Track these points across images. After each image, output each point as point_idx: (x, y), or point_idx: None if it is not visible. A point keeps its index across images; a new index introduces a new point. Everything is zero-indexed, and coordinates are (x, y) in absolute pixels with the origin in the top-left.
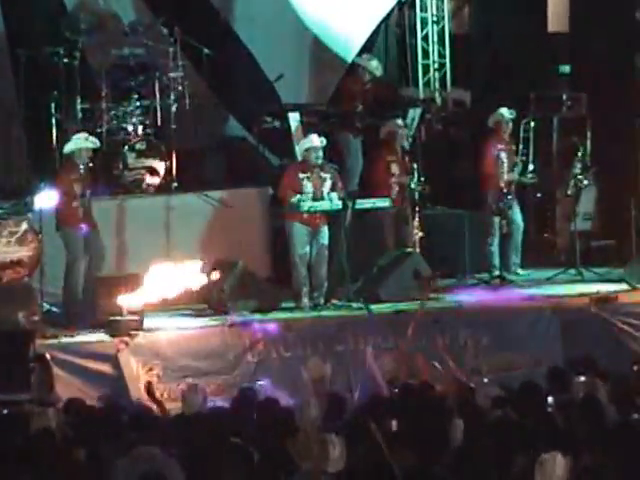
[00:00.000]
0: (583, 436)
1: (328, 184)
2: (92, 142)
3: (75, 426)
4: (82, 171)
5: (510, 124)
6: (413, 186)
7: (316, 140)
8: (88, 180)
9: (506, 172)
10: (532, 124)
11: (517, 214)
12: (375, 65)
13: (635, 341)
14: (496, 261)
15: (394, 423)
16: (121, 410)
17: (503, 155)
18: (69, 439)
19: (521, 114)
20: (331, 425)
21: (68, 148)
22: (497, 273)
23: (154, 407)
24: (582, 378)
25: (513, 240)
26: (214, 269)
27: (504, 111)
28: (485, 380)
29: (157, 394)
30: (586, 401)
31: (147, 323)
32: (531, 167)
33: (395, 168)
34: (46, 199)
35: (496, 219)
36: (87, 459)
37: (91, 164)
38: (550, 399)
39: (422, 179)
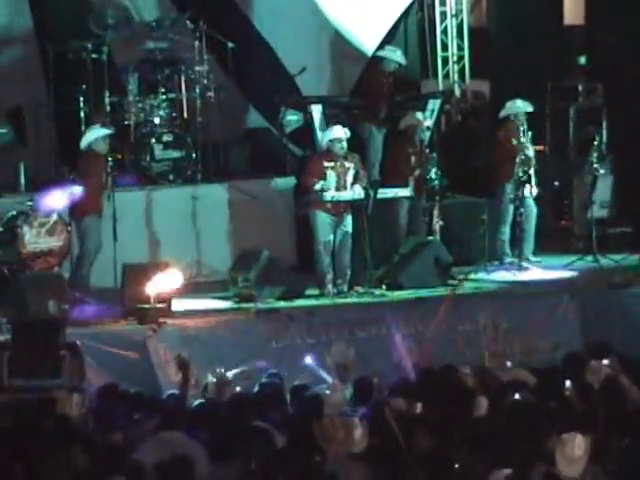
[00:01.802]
0: (603, 419)
1: (351, 173)
2: (106, 129)
3: (107, 411)
4: (105, 161)
5: (524, 115)
6: (433, 176)
7: (340, 132)
8: (111, 170)
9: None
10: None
11: (530, 200)
12: (399, 54)
13: None
14: (507, 249)
15: (419, 406)
16: (150, 396)
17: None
18: (90, 425)
19: (539, 104)
20: (356, 409)
21: (85, 142)
22: (509, 260)
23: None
24: (602, 362)
25: (528, 226)
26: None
27: (519, 103)
28: (508, 364)
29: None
30: (606, 384)
31: (175, 307)
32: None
33: (414, 160)
34: (66, 195)
35: (511, 207)
36: (106, 446)
37: (119, 156)
38: (568, 383)
39: (441, 170)
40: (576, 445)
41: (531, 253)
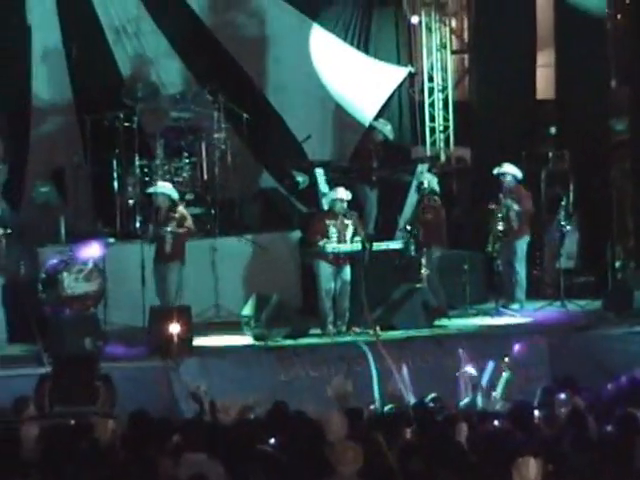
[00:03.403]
0: (567, 444)
1: (350, 229)
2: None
3: (136, 434)
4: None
5: (509, 177)
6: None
7: (342, 193)
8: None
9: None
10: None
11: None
12: (389, 129)
13: (611, 362)
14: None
15: (408, 431)
16: (172, 421)
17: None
18: (120, 447)
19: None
20: (351, 434)
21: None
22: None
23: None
24: (564, 395)
25: (513, 279)
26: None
27: (507, 166)
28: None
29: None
30: (571, 414)
31: (195, 342)
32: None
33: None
34: (101, 246)
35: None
36: (136, 465)
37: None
38: (537, 412)
39: None
40: (530, 468)
41: (517, 302)
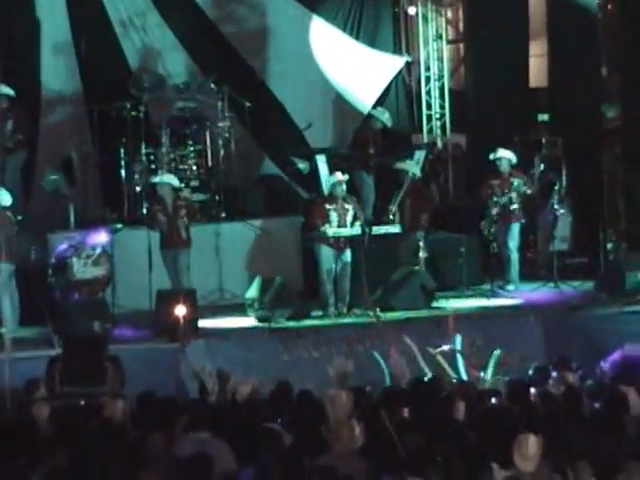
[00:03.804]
0: (561, 420)
1: (350, 213)
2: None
3: (143, 413)
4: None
5: (504, 162)
6: None
7: (340, 176)
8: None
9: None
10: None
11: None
12: (387, 117)
13: (603, 341)
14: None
15: (406, 410)
16: (179, 401)
17: (497, 188)
18: (129, 425)
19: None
20: (353, 413)
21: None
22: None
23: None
24: (558, 373)
25: (506, 259)
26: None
27: (502, 151)
28: (482, 375)
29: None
30: (566, 392)
31: (201, 324)
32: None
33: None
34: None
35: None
36: (140, 443)
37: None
38: (532, 390)
39: None
40: (530, 444)
41: (511, 283)
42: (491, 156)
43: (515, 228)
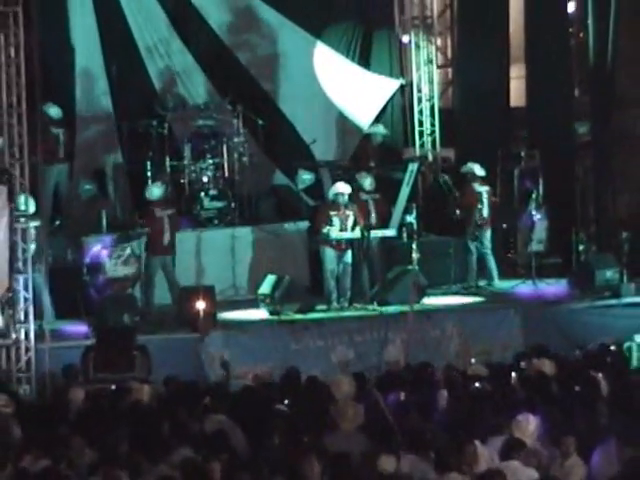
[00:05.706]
0: (538, 401)
1: (351, 219)
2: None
3: (168, 397)
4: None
5: (476, 175)
6: (412, 220)
7: (343, 187)
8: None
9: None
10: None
11: (488, 240)
12: (381, 128)
13: (576, 331)
14: (474, 274)
15: (402, 394)
16: (201, 386)
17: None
18: (156, 408)
19: (491, 166)
20: (355, 396)
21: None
22: (473, 284)
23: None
24: (537, 360)
25: (487, 259)
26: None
27: (471, 165)
28: (472, 360)
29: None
30: (538, 377)
31: (219, 317)
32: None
33: None
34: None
35: (473, 244)
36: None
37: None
38: (513, 374)
39: (419, 216)
40: (529, 424)
41: (493, 279)
42: (462, 169)
43: (490, 233)
